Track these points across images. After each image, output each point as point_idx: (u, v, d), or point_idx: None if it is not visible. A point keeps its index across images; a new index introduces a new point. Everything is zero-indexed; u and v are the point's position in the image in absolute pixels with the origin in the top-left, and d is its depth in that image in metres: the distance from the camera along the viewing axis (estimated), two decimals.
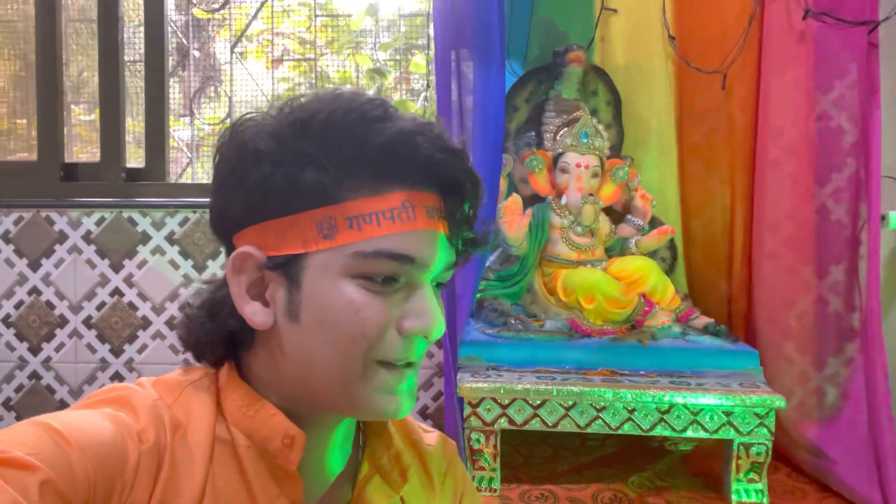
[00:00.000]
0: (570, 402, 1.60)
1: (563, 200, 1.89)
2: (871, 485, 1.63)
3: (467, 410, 1.63)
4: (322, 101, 0.62)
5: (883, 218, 1.88)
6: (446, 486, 0.80)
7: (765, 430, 1.57)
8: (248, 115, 0.64)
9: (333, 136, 0.60)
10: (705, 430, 1.58)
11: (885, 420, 1.69)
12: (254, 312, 0.63)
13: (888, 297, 2.01)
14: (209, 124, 2.51)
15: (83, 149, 2.49)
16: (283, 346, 0.63)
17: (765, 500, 1.58)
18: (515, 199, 1.82)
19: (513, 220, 1.80)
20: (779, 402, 1.56)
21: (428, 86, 2.52)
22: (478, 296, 1.86)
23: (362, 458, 0.73)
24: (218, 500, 0.61)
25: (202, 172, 2.51)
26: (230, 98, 2.48)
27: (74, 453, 0.53)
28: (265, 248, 0.62)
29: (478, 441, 1.63)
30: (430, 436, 0.81)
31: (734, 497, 1.59)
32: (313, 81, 2.61)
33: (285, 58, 2.61)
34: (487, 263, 1.92)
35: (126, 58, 2.36)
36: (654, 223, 1.97)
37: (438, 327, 0.62)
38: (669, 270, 1.97)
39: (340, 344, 0.61)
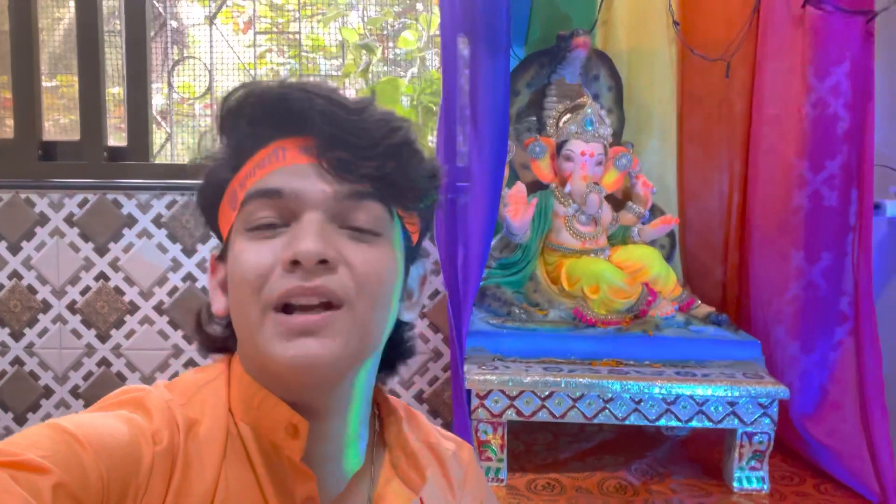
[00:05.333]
0: (578, 394, 1.61)
1: (567, 188, 1.88)
2: (866, 468, 1.68)
3: (474, 402, 1.63)
4: None
5: (878, 206, 1.91)
6: (465, 491, 0.80)
7: (768, 420, 1.60)
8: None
9: (219, 127, 0.67)
10: (710, 419, 1.61)
11: (878, 405, 1.74)
12: (215, 303, 0.68)
13: (881, 283, 2.05)
14: (178, 93, 2.42)
15: (47, 116, 2.38)
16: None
17: (765, 487, 1.62)
18: (520, 187, 1.80)
19: (517, 209, 1.78)
20: (783, 392, 1.60)
21: (418, 62, 2.47)
22: (480, 284, 1.85)
23: (381, 459, 0.73)
24: (229, 496, 0.61)
25: (182, 148, 2.43)
26: (210, 70, 2.40)
27: (88, 456, 0.53)
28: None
29: (485, 432, 1.64)
30: (449, 441, 0.81)
31: (736, 484, 1.63)
32: (285, 49, 2.54)
33: (260, 28, 2.51)
34: (489, 250, 1.90)
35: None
36: (654, 210, 1.97)
37: (315, 249, 0.58)
38: (668, 258, 1.98)
39: (235, 297, 0.63)
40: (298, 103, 0.62)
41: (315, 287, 0.59)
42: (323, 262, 0.59)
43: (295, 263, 0.58)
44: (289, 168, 0.62)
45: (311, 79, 0.73)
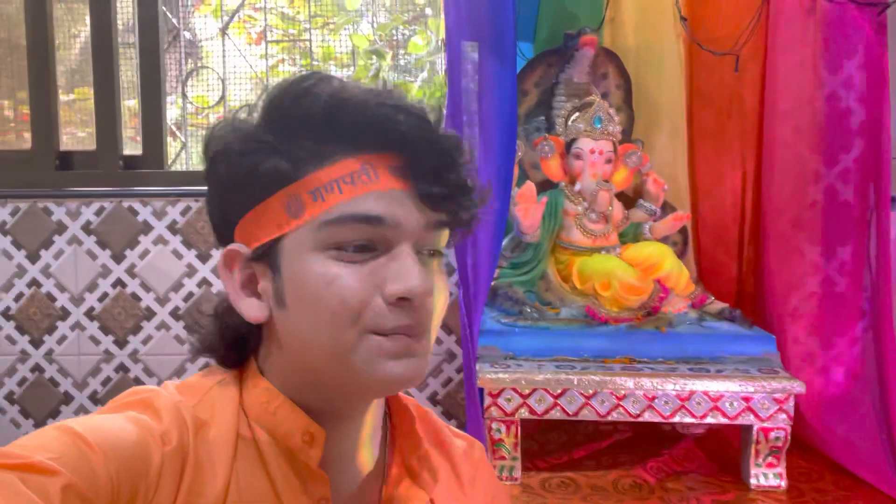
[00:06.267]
0: (591, 391, 1.61)
1: (577, 187, 1.87)
2: (885, 464, 1.66)
3: (487, 401, 1.63)
4: (270, 88, 0.63)
5: (893, 200, 1.89)
6: (476, 489, 0.79)
7: (784, 416, 1.59)
8: (220, 121, 0.66)
9: (278, 116, 0.62)
10: (725, 416, 1.60)
11: None
12: (249, 307, 0.64)
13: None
14: (192, 104, 2.45)
15: (64, 130, 2.42)
16: (281, 335, 0.64)
17: (783, 484, 1.60)
18: (530, 186, 1.80)
19: (528, 208, 1.78)
20: (798, 387, 1.58)
21: (428, 66, 2.48)
22: (491, 283, 1.85)
23: (391, 459, 0.73)
24: (242, 498, 0.61)
25: (196, 158, 2.46)
26: (223, 80, 2.42)
27: (97, 457, 0.53)
28: (249, 241, 0.64)
29: (498, 431, 1.63)
30: (459, 439, 0.81)
31: (753, 481, 1.61)
32: (297, 59, 2.56)
33: (268, 36, 2.54)
34: (500, 250, 1.90)
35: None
36: (666, 207, 1.96)
37: (422, 288, 0.59)
38: (681, 255, 1.97)
39: (323, 318, 0.60)
40: (384, 121, 0.60)
41: (420, 323, 0.62)
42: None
43: (402, 298, 0.60)
44: (385, 193, 0.60)
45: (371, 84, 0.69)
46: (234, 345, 0.68)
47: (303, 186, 0.60)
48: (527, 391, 1.62)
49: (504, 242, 1.92)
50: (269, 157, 0.61)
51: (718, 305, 1.84)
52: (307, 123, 0.61)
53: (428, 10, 2.53)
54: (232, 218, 0.65)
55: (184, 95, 2.44)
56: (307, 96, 0.60)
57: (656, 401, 1.60)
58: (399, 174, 0.60)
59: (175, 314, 2.14)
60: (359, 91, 0.61)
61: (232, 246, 0.65)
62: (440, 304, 0.64)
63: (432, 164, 0.61)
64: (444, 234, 0.65)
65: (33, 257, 2.13)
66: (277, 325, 0.64)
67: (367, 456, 0.70)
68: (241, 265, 0.65)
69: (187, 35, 2.47)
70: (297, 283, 0.61)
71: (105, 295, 2.14)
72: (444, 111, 0.69)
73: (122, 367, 2.16)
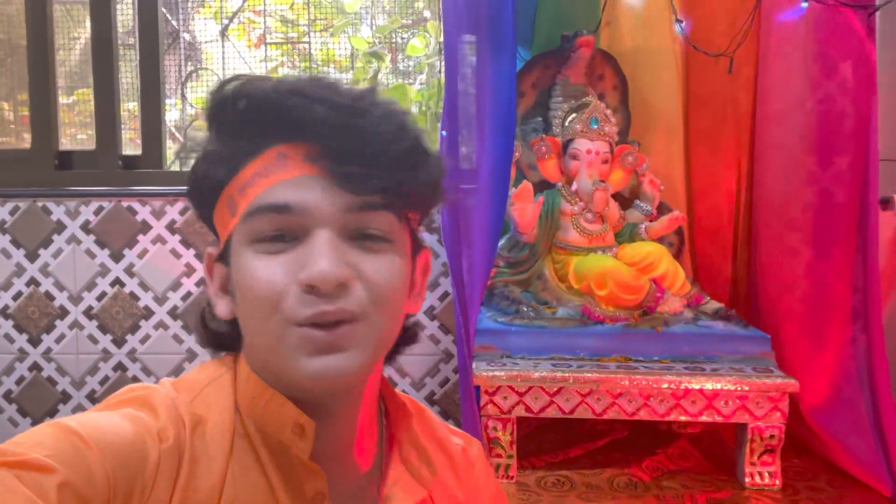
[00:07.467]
0: (587, 390, 1.62)
1: (574, 187, 1.89)
2: (878, 462, 1.67)
3: (483, 399, 1.64)
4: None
5: (889, 201, 1.90)
6: (474, 486, 0.80)
7: (778, 414, 1.60)
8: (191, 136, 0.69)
9: (211, 123, 0.64)
10: (720, 414, 1.61)
11: (888, 400, 1.72)
12: (220, 306, 0.66)
13: (888, 281, 2.04)
14: (192, 106, 2.46)
15: (64, 132, 2.43)
16: (242, 331, 0.65)
17: (777, 482, 1.61)
18: (526, 186, 1.81)
19: (524, 208, 1.79)
20: (793, 386, 1.59)
21: (427, 69, 2.50)
22: (488, 282, 1.86)
23: (388, 456, 0.73)
24: (238, 493, 0.62)
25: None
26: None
27: (93, 454, 0.53)
28: (219, 243, 0.66)
29: (494, 429, 1.64)
30: (456, 437, 0.81)
31: (747, 480, 1.62)
32: (297, 62, 2.57)
33: (268, 39, 2.55)
34: (497, 250, 1.91)
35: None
36: (662, 208, 1.98)
37: (331, 274, 0.57)
38: (677, 255, 1.98)
39: (251, 311, 0.61)
40: (296, 111, 0.60)
41: (336, 311, 0.59)
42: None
43: (313, 286, 0.58)
44: (295, 180, 0.60)
45: (309, 76, 0.68)
46: (219, 342, 0.70)
47: (235, 185, 0.62)
48: (523, 389, 1.63)
49: (501, 242, 1.94)
50: (213, 162, 0.63)
51: (714, 305, 1.86)
52: (234, 124, 0.62)
53: (427, 13, 2.55)
54: (208, 222, 0.68)
55: (183, 97, 2.45)
56: (224, 99, 0.62)
57: (651, 399, 1.61)
58: (311, 161, 0.60)
59: (173, 313, 2.15)
60: (281, 86, 0.61)
61: (209, 249, 0.67)
62: (381, 288, 0.61)
63: (347, 147, 0.59)
64: (382, 217, 0.62)
65: (32, 256, 2.14)
66: (239, 322, 0.65)
67: (364, 453, 0.70)
68: (217, 267, 0.67)
69: (187, 37, 2.48)
70: (235, 279, 0.63)
71: (103, 294, 2.15)
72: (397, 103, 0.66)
73: (120, 366, 2.16)
